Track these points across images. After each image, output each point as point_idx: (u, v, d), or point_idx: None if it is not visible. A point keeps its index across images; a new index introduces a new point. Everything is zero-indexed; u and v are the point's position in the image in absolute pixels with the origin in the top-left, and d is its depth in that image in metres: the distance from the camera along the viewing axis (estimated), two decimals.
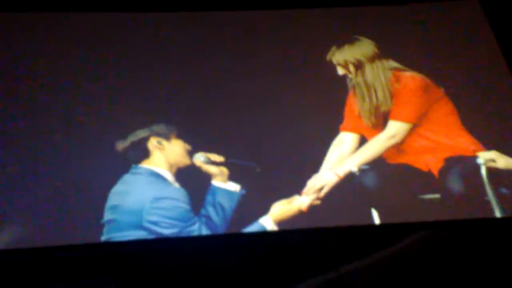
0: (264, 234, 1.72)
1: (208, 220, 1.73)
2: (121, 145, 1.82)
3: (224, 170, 1.81)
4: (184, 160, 1.81)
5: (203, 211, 1.74)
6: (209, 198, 1.76)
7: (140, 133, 1.83)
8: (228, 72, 2.02)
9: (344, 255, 1.68)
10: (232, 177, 1.80)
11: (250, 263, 1.67)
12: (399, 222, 1.77)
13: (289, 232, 1.73)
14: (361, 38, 2.00)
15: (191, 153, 1.82)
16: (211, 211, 1.74)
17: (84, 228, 1.69)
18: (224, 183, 1.79)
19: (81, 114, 1.90)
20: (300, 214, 1.76)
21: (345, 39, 2.00)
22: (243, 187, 1.79)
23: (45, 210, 1.71)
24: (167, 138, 1.83)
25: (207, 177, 1.80)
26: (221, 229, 1.72)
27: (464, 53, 2.10)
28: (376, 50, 1.97)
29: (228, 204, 1.76)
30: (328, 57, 1.99)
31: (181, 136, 1.84)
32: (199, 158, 1.81)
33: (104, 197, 1.72)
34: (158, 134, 1.82)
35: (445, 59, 2.06)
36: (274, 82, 1.99)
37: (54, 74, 1.97)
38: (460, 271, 1.65)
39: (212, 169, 1.80)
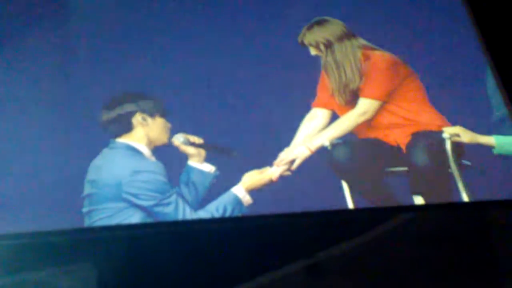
0: (239, 219, 1.78)
1: (182, 199, 1.80)
2: (105, 116, 1.88)
3: (202, 151, 1.88)
4: (163, 138, 1.88)
5: (177, 189, 1.81)
6: (183, 177, 1.83)
7: (128, 107, 1.88)
8: (205, 52, 2.09)
9: (320, 239, 1.74)
10: (208, 159, 1.87)
11: (225, 248, 1.71)
12: (369, 197, 1.84)
13: (265, 217, 1.79)
14: (329, 18, 2.08)
15: (170, 132, 1.89)
16: (184, 189, 1.81)
17: (65, 204, 1.76)
18: (200, 164, 1.86)
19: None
20: (274, 189, 1.83)
21: (314, 20, 2.08)
22: (218, 167, 1.86)
23: (24, 189, 1.78)
24: (152, 115, 1.89)
25: (183, 156, 1.87)
26: (192, 206, 1.79)
27: (437, 32, 2.16)
28: (344, 29, 2.04)
29: (201, 184, 1.82)
30: (299, 39, 2.06)
31: (164, 114, 1.91)
32: (179, 139, 1.88)
33: (84, 171, 1.80)
34: (144, 111, 1.88)
35: (416, 38, 2.12)
36: (248, 62, 2.07)
37: (35, 42, 2.04)
38: (436, 254, 1.73)
39: (189, 149, 1.87)
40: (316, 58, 2.03)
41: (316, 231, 1.76)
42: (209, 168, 1.86)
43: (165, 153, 1.87)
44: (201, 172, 1.85)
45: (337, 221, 1.79)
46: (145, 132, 1.86)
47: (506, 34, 2.17)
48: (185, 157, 1.87)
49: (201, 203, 1.80)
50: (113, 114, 1.87)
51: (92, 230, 1.73)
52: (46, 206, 1.75)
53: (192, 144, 1.87)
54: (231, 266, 1.68)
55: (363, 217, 1.81)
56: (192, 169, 1.85)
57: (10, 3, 2.14)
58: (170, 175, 1.82)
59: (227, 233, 1.76)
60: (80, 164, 1.81)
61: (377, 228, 1.74)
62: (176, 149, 1.88)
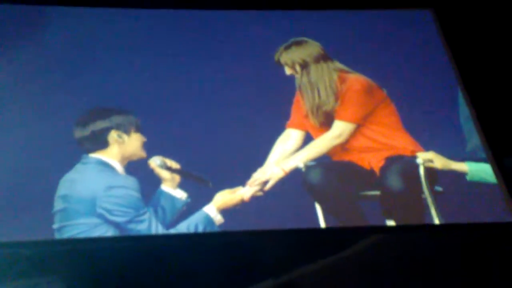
0: (211, 235, 1.76)
1: (148, 221, 1.77)
2: (79, 133, 1.84)
3: (176, 177, 1.85)
4: (140, 153, 1.85)
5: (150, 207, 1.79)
6: (154, 200, 1.80)
7: (102, 124, 1.85)
8: (182, 69, 2.08)
9: (293, 257, 1.73)
10: (181, 185, 1.85)
11: (196, 264, 1.70)
12: (342, 219, 1.83)
13: (237, 234, 1.77)
14: (308, 40, 2.09)
15: (145, 146, 1.87)
16: (151, 212, 1.78)
17: (34, 219, 1.71)
18: (172, 189, 1.83)
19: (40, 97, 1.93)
20: (246, 208, 1.81)
21: (292, 40, 2.09)
22: (190, 189, 1.84)
23: None
24: (127, 132, 1.86)
25: (156, 179, 1.84)
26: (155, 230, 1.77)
27: (412, 59, 2.19)
28: (321, 51, 2.05)
29: (170, 209, 1.80)
30: (276, 58, 2.06)
31: (139, 129, 1.89)
32: (155, 161, 1.85)
33: (54, 186, 1.75)
34: (119, 127, 1.85)
35: (391, 64, 2.15)
36: (224, 79, 2.06)
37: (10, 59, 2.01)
38: (407, 274, 1.73)
39: (164, 174, 1.84)
40: (292, 78, 2.03)
41: (288, 250, 1.75)
42: (181, 194, 1.83)
43: (140, 168, 1.84)
44: (172, 198, 1.82)
45: (309, 240, 1.78)
46: (120, 149, 1.83)
47: (479, 63, 2.21)
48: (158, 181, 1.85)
49: (168, 227, 1.77)
50: (86, 131, 1.84)
51: (61, 242, 1.69)
52: (14, 219, 1.70)
53: (168, 168, 1.85)
54: (202, 284, 1.66)
55: (335, 237, 1.80)
56: (164, 194, 1.82)
57: None
58: (144, 191, 1.79)
59: (198, 250, 1.74)
60: (50, 179, 1.77)
61: (349, 248, 1.74)
62: (151, 170, 1.85)
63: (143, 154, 1.85)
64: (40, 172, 1.78)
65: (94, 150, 1.82)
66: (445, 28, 2.28)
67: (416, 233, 1.82)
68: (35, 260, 1.65)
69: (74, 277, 1.64)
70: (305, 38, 2.09)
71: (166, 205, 1.80)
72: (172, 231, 1.75)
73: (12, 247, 1.66)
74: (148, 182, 1.82)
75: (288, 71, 2.04)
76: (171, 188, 1.83)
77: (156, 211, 1.78)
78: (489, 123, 2.04)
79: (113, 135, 1.84)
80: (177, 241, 1.74)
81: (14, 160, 1.81)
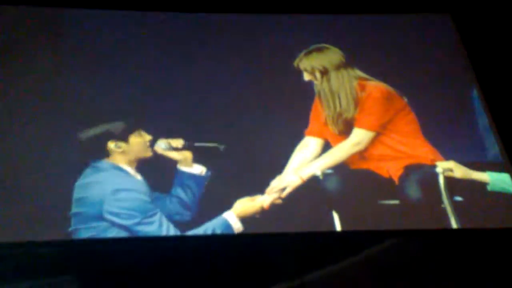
0: (225, 237, 1.76)
1: (179, 200, 1.79)
2: (82, 143, 1.85)
3: (187, 154, 1.86)
4: (146, 153, 1.85)
5: (173, 192, 1.80)
6: (177, 180, 1.82)
7: (97, 135, 1.84)
8: (198, 72, 2.07)
9: (307, 261, 1.71)
10: (197, 160, 1.85)
11: (210, 267, 1.70)
12: (359, 227, 1.82)
13: (251, 236, 1.77)
14: (329, 46, 2.06)
15: (152, 144, 1.86)
16: (180, 192, 1.80)
17: (52, 220, 1.72)
18: (189, 167, 1.84)
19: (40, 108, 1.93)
20: (264, 215, 1.80)
21: (314, 46, 2.06)
22: (209, 169, 1.84)
23: (10, 203, 1.73)
24: (125, 139, 1.85)
25: (171, 164, 1.84)
26: (192, 207, 1.79)
27: (431, 65, 2.16)
28: (342, 59, 2.03)
29: (195, 186, 1.81)
30: (295, 63, 2.04)
31: (142, 128, 1.87)
32: (160, 146, 1.85)
33: (70, 190, 1.76)
34: (114, 137, 1.84)
35: (410, 71, 2.12)
36: (243, 85, 2.05)
37: (12, 67, 2.00)
38: (423, 280, 1.71)
39: (174, 155, 1.85)
40: (309, 85, 2.01)
41: (302, 253, 1.74)
42: (199, 170, 1.84)
43: (151, 165, 1.84)
44: (192, 175, 1.83)
45: (324, 243, 1.77)
46: (123, 156, 1.83)
47: (497, 69, 2.18)
48: (173, 163, 1.85)
49: (200, 203, 1.79)
50: (87, 143, 1.84)
51: (76, 242, 1.70)
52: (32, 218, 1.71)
53: (176, 149, 1.85)
54: (216, 285, 1.65)
55: (352, 240, 1.79)
56: (183, 173, 1.83)
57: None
58: (160, 185, 1.80)
59: (211, 252, 1.73)
60: (65, 182, 1.77)
61: (365, 251, 1.73)
62: (162, 158, 1.85)
63: (148, 153, 1.85)
64: (58, 176, 1.79)
65: (101, 157, 1.83)
66: (462, 33, 2.25)
67: (432, 238, 1.80)
68: (50, 260, 1.67)
69: (87, 277, 1.64)
70: (326, 45, 2.06)
71: (191, 184, 1.81)
72: (189, 233, 1.75)
73: (27, 246, 1.67)
74: (162, 174, 1.82)
75: (306, 77, 2.02)
76: (188, 166, 1.84)
77: (184, 191, 1.80)
78: (507, 131, 2.01)
79: (110, 146, 1.84)
80: (190, 242, 1.74)
81: (31, 161, 1.82)
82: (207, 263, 1.69)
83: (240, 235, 1.76)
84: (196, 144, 1.86)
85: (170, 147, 1.85)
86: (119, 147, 1.83)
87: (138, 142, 1.86)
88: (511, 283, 1.71)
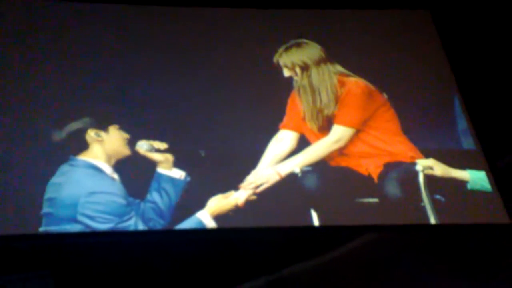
0: (204, 231, 1.72)
1: (154, 205, 1.73)
2: (57, 136, 1.79)
3: (169, 157, 1.80)
4: (124, 151, 1.80)
5: (148, 197, 1.74)
6: (154, 184, 1.76)
7: (76, 124, 1.79)
8: (173, 65, 2.02)
9: (286, 255, 1.71)
10: (177, 164, 1.80)
11: (189, 261, 1.67)
12: (339, 224, 1.80)
13: (229, 231, 1.74)
14: (308, 41, 2.02)
15: (130, 143, 1.81)
16: (156, 197, 1.74)
17: (24, 220, 1.67)
18: (169, 170, 1.79)
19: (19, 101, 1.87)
20: (239, 213, 1.77)
21: (293, 42, 2.02)
22: (188, 173, 1.79)
23: None
24: (105, 129, 1.80)
25: (149, 166, 1.79)
26: (166, 215, 1.73)
27: (410, 61, 2.15)
28: (322, 54, 1.99)
29: (173, 191, 1.76)
30: (275, 59, 2.00)
31: (120, 126, 1.82)
32: (142, 147, 1.80)
33: (43, 188, 1.70)
34: (95, 126, 1.79)
35: (390, 66, 2.10)
36: (217, 78, 2.01)
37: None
38: (399, 274, 1.70)
39: (156, 156, 1.80)
40: (286, 80, 1.97)
41: (280, 248, 1.73)
42: (179, 174, 1.79)
43: (129, 165, 1.78)
44: (171, 178, 1.77)
45: (302, 238, 1.76)
46: (102, 147, 1.77)
47: (475, 66, 2.17)
48: (152, 166, 1.79)
49: (175, 211, 1.73)
50: (63, 133, 1.78)
51: (49, 236, 1.65)
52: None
53: (157, 150, 1.79)
54: (193, 280, 1.64)
55: (329, 235, 1.78)
56: (162, 176, 1.77)
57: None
58: (136, 187, 1.75)
59: (191, 246, 1.71)
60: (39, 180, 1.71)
61: (342, 246, 1.72)
62: (141, 159, 1.79)
63: (127, 151, 1.80)
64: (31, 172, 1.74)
65: (77, 151, 1.77)
66: (441, 30, 2.24)
67: (411, 233, 1.80)
68: (25, 255, 1.63)
69: (63, 272, 1.61)
70: (305, 40, 2.02)
71: (168, 188, 1.76)
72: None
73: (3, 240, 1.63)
74: (142, 174, 1.78)
75: (286, 73, 1.98)
76: (167, 169, 1.79)
77: (160, 195, 1.74)
78: (484, 126, 2.01)
79: (90, 134, 1.78)
80: (169, 237, 1.72)
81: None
82: (185, 257, 1.68)
83: (218, 230, 1.73)
84: (178, 148, 1.82)
85: (152, 148, 1.79)
86: (99, 136, 1.77)
87: (117, 135, 1.80)
88: (490, 275, 1.72)
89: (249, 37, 2.13)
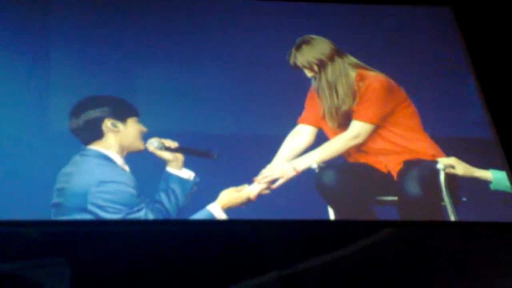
0: (215, 222, 1.70)
1: (161, 206, 1.69)
2: (75, 123, 1.75)
3: (179, 156, 1.76)
4: (138, 145, 1.76)
5: (156, 197, 1.70)
6: (162, 184, 1.72)
7: (94, 113, 1.76)
8: (192, 59, 1.98)
9: (301, 249, 1.67)
10: (187, 164, 1.76)
11: (201, 252, 1.64)
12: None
13: (241, 223, 1.72)
14: (315, 36, 1.97)
15: (147, 137, 1.77)
16: (163, 197, 1.70)
17: (36, 209, 1.64)
18: (178, 170, 1.75)
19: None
20: (251, 206, 1.73)
21: (299, 39, 1.96)
22: (197, 174, 1.75)
23: None
24: (123, 120, 1.76)
25: (160, 162, 1.75)
26: (172, 216, 1.69)
27: (431, 58, 2.09)
28: (333, 47, 1.93)
29: (180, 191, 1.72)
30: (291, 61, 1.94)
31: (139, 118, 1.79)
32: (153, 144, 1.76)
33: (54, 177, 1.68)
34: (112, 115, 1.76)
35: (411, 63, 2.05)
36: (233, 74, 1.97)
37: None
38: (417, 271, 1.66)
39: (166, 155, 1.76)
40: (303, 77, 1.92)
41: (295, 242, 1.68)
42: (188, 174, 1.74)
43: (141, 160, 1.74)
44: (180, 179, 1.73)
45: (317, 232, 1.72)
46: (116, 139, 1.73)
47: (497, 62, 2.12)
48: (163, 163, 1.75)
49: (181, 212, 1.70)
50: (80, 122, 1.75)
51: (65, 224, 1.64)
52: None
53: (168, 148, 1.75)
54: (203, 272, 1.60)
55: (346, 231, 1.74)
56: (170, 175, 1.73)
57: None
58: (147, 182, 1.71)
59: (202, 237, 1.67)
60: (49, 169, 1.68)
61: (356, 242, 1.67)
62: (153, 156, 1.76)
63: (141, 145, 1.76)
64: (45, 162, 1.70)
65: (90, 141, 1.73)
66: (462, 26, 2.18)
67: (427, 229, 1.75)
68: (42, 241, 1.60)
69: (80, 260, 1.57)
70: (312, 36, 1.97)
71: (176, 188, 1.72)
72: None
73: (18, 226, 1.61)
74: (153, 171, 1.74)
75: (309, 73, 1.91)
76: (177, 169, 1.74)
77: (168, 196, 1.70)
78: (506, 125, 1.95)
79: (106, 124, 1.74)
80: (180, 227, 1.70)
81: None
82: (196, 249, 1.64)
83: (229, 221, 1.71)
84: (189, 148, 1.78)
85: (162, 146, 1.75)
86: (116, 126, 1.74)
87: (134, 128, 1.77)
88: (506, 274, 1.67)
89: (264, 30, 2.08)
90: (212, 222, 1.70)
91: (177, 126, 1.83)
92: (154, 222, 1.66)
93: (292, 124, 1.88)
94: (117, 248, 1.60)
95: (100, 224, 1.63)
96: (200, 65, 1.97)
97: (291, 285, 1.60)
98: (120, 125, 1.75)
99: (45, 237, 1.61)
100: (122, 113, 1.77)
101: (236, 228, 1.71)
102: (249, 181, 1.76)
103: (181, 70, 1.96)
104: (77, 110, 1.77)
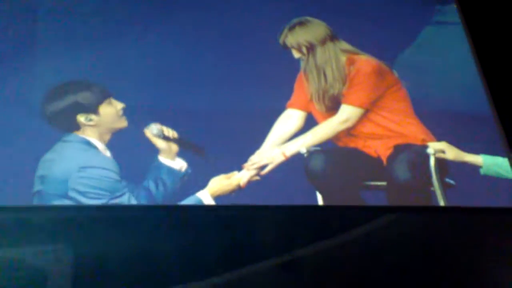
0: (205, 208, 1.69)
1: (147, 193, 1.68)
2: (49, 114, 1.74)
3: (174, 146, 1.75)
4: (119, 124, 1.75)
5: (144, 183, 1.69)
6: (152, 172, 1.71)
7: (65, 110, 1.73)
8: (174, 41, 1.96)
9: (291, 235, 1.66)
10: (179, 154, 1.75)
11: (189, 238, 1.62)
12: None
13: (232, 208, 1.71)
14: (311, 19, 1.94)
15: (126, 112, 1.76)
16: (151, 185, 1.69)
17: (17, 197, 1.64)
18: (171, 160, 1.73)
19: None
20: (241, 192, 1.72)
21: (295, 20, 1.94)
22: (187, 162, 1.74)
23: None
24: (95, 111, 1.74)
25: (146, 148, 1.74)
26: (158, 203, 1.68)
27: (426, 40, 2.06)
28: (328, 31, 1.92)
29: (170, 182, 1.70)
30: (281, 40, 1.92)
31: (114, 96, 1.77)
32: (152, 131, 1.74)
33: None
34: (84, 109, 1.73)
35: (403, 45, 2.02)
36: (221, 54, 1.95)
37: None
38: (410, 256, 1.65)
39: (161, 143, 1.74)
40: (292, 57, 1.90)
41: (286, 229, 1.67)
42: (180, 165, 1.73)
43: (125, 145, 1.73)
44: (172, 170, 1.72)
45: (308, 218, 1.70)
46: (94, 129, 1.72)
47: (500, 48, 2.08)
48: (149, 150, 1.74)
49: (168, 200, 1.68)
50: (54, 114, 1.73)
51: (67, 208, 1.62)
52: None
53: (166, 137, 1.74)
54: (192, 258, 1.58)
55: (338, 216, 1.72)
56: (162, 165, 1.72)
57: None
58: (130, 169, 1.69)
59: (189, 223, 1.65)
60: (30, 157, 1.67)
61: (356, 228, 1.66)
62: (138, 141, 1.74)
63: (122, 123, 1.75)
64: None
65: (70, 130, 1.72)
66: (464, 7, 2.15)
67: (416, 214, 1.74)
68: (42, 227, 1.59)
69: (81, 245, 1.56)
70: (308, 18, 1.95)
71: (166, 178, 1.70)
72: None
73: (18, 212, 1.61)
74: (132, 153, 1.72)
75: (296, 54, 1.90)
76: (169, 159, 1.73)
77: (156, 184, 1.68)
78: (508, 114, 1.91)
79: (80, 120, 1.73)
80: (169, 213, 1.67)
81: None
82: (186, 236, 1.63)
83: (220, 207, 1.70)
84: (186, 141, 1.76)
85: (161, 134, 1.74)
86: (90, 120, 1.72)
87: (110, 112, 1.75)
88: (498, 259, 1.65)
89: (254, 12, 2.05)
90: (201, 208, 1.68)
91: (160, 102, 1.82)
92: (143, 207, 1.65)
93: (281, 109, 1.86)
94: (98, 234, 1.59)
95: (84, 209, 1.62)
96: (188, 47, 1.95)
97: (284, 270, 1.59)
98: (93, 117, 1.73)
99: (45, 223, 1.60)
100: (92, 103, 1.74)
101: (225, 213, 1.69)
102: (239, 168, 1.75)
103: (170, 43, 1.94)
104: (51, 101, 1.75)
